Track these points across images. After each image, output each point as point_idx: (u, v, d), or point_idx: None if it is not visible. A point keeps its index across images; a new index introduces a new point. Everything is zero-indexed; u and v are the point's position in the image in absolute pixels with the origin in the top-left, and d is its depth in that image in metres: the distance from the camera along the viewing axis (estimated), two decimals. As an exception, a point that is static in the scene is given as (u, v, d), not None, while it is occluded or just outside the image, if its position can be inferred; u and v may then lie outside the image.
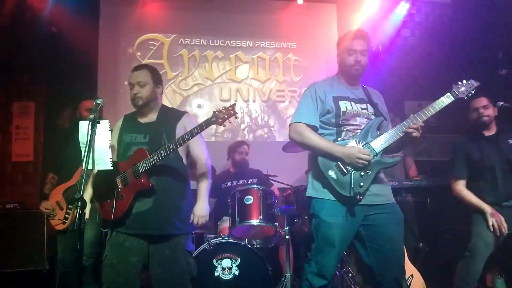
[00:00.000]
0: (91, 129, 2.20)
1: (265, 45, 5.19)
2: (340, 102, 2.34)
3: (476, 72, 4.88)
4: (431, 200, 4.23)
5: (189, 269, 2.44)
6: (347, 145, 2.26)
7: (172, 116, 2.59)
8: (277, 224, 3.34)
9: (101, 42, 4.76)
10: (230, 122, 2.33)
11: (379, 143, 2.26)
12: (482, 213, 2.90)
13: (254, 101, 5.09)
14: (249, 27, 5.16)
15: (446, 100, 2.29)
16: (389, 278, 2.23)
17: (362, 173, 2.22)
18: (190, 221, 2.46)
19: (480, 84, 2.31)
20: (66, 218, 3.06)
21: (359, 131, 2.32)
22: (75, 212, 2.04)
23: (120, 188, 2.40)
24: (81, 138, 2.27)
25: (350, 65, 2.38)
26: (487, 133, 3.04)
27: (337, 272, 3.19)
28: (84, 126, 2.25)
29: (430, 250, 3.68)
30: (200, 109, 4.95)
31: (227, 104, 2.32)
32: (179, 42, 5.02)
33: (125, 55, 4.88)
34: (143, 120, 2.56)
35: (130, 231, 2.38)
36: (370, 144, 2.26)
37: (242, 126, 5.05)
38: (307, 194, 2.38)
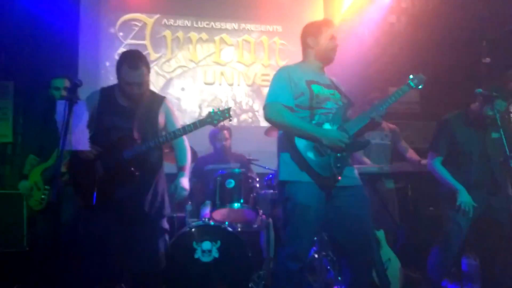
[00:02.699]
0: (69, 109, 2.16)
1: (250, 28, 5.13)
2: (312, 86, 2.36)
3: (460, 59, 4.95)
4: (412, 186, 4.29)
5: (163, 246, 2.56)
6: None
7: (153, 101, 2.58)
8: (258, 208, 3.36)
9: (82, 21, 4.65)
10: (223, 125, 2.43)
11: (351, 126, 2.33)
12: (453, 196, 2.94)
13: (238, 85, 5.05)
14: (235, 9, 5.09)
15: (405, 89, 2.43)
16: (359, 257, 2.29)
17: (339, 155, 2.25)
18: (170, 193, 2.55)
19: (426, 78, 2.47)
20: (43, 199, 3.03)
21: (331, 114, 2.34)
22: (52, 192, 2.03)
23: (102, 174, 2.39)
24: (58, 118, 2.23)
25: (331, 49, 2.45)
26: (475, 121, 3.08)
27: (316, 255, 3.22)
28: (61, 106, 2.21)
29: (409, 235, 3.74)
30: (183, 92, 4.89)
31: (224, 106, 2.52)
32: (163, 23, 4.93)
33: (106, 35, 4.78)
34: (124, 102, 2.51)
35: (110, 216, 2.40)
36: (344, 127, 2.31)
37: (226, 110, 5.00)
38: (280, 179, 2.36)
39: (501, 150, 2.89)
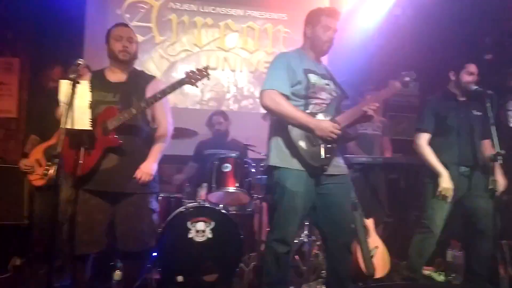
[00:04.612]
0: (72, 89, 2.23)
1: (255, 14, 5.16)
2: (309, 75, 2.40)
3: (463, 54, 4.96)
4: (404, 178, 4.37)
5: (152, 226, 2.56)
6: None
7: (142, 78, 2.64)
8: (253, 192, 3.45)
9: (89, 1, 4.69)
10: (202, 84, 2.43)
11: (343, 118, 2.39)
12: (434, 182, 3.00)
13: (241, 71, 5.10)
14: (240, -5, 5.11)
15: (397, 86, 2.46)
16: (339, 242, 2.40)
17: (329, 145, 2.32)
18: (139, 177, 2.48)
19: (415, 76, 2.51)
20: (45, 174, 3.11)
21: (324, 105, 2.40)
22: (53, 168, 2.10)
23: (87, 145, 2.40)
24: (61, 97, 2.31)
25: (325, 41, 2.47)
26: (460, 98, 3.15)
27: (305, 240, 3.32)
28: (64, 85, 2.28)
29: (397, 225, 3.83)
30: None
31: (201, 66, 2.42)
32: (169, 6, 4.96)
33: (113, 16, 4.80)
34: (112, 79, 2.58)
35: (96, 187, 2.42)
36: (335, 119, 2.38)
37: (228, 95, 5.07)
38: (270, 163, 2.40)
39: (481, 128, 3.03)
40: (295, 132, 2.32)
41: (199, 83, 2.42)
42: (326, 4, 5.19)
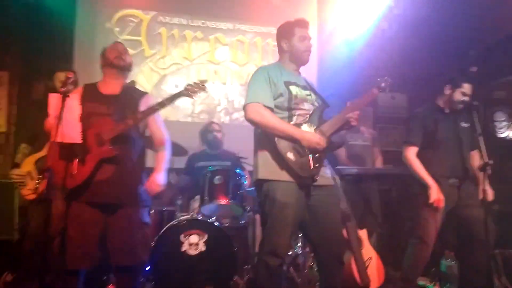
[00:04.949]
0: (61, 102, 2.22)
1: (245, 28, 5.20)
2: (290, 87, 2.43)
3: (449, 67, 5.07)
4: (396, 189, 4.40)
5: (145, 240, 2.54)
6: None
7: (135, 92, 2.67)
8: (245, 204, 3.44)
9: (79, 14, 4.68)
10: (199, 97, 2.52)
11: (327, 127, 2.42)
12: (425, 193, 3.02)
13: (231, 84, 5.12)
14: (230, 9, 5.15)
15: (374, 92, 2.57)
16: (330, 253, 2.40)
17: (316, 155, 2.34)
18: (149, 189, 2.51)
19: (392, 82, 2.61)
20: (36, 188, 3.07)
21: (308, 115, 2.43)
22: (43, 183, 2.07)
23: (80, 156, 2.38)
24: (51, 110, 2.29)
25: (304, 51, 2.52)
26: (446, 110, 3.20)
27: (300, 252, 3.31)
28: (53, 99, 2.27)
29: (391, 235, 3.84)
30: (177, 88, 4.88)
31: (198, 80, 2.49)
32: (159, 20, 4.99)
33: (103, 30, 4.82)
34: (105, 91, 2.57)
35: (90, 199, 2.39)
36: (321, 128, 2.41)
37: (219, 108, 5.08)
38: (259, 177, 2.39)
39: (470, 139, 3.07)
40: (282, 144, 2.32)
41: (196, 96, 2.48)
42: (314, 19, 5.28)
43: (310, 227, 2.41)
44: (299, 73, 2.60)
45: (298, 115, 2.40)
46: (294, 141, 2.31)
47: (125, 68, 2.63)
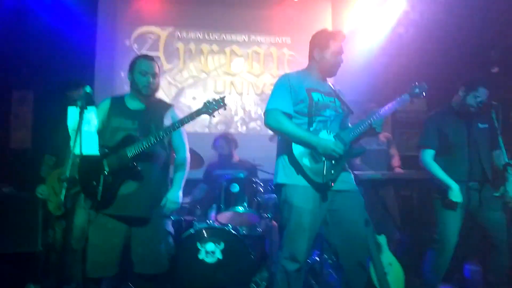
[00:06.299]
0: (80, 115, 2.30)
1: (260, 39, 5.29)
2: (312, 93, 2.44)
3: (468, 70, 4.97)
4: (417, 194, 4.32)
5: (168, 249, 2.60)
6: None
7: (160, 107, 2.70)
8: (262, 211, 3.45)
9: (99, 33, 4.89)
10: (219, 114, 2.47)
11: (348, 134, 2.41)
12: (443, 196, 2.95)
13: (248, 94, 5.19)
14: (245, 21, 5.26)
15: (406, 98, 2.49)
16: (354, 260, 2.36)
17: (333, 162, 2.33)
18: (166, 206, 2.56)
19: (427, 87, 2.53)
20: (61, 204, 3.16)
21: (329, 122, 2.43)
22: (64, 194, 2.14)
23: (107, 171, 2.45)
24: (69, 123, 2.37)
25: (334, 65, 2.50)
26: (460, 112, 3.11)
27: (317, 258, 3.28)
28: (72, 112, 2.35)
29: (412, 241, 3.76)
30: (194, 100, 5.06)
31: (218, 96, 2.47)
32: (176, 35, 5.13)
33: (122, 47, 5.00)
34: (132, 106, 2.64)
35: (114, 212, 2.46)
36: (340, 135, 2.40)
37: (236, 118, 5.15)
38: (277, 181, 2.43)
39: (488, 140, 2.97)
40: (298, 150, 2.34)
41: (216, 113, 2.47)
42: (329, 26, 5.30)
43: (332, 232, 2.40)
44: (325, 80, 2.58)
45: (318, 121, 2.41)
46: (310, 148, 2.33)
47: (152, 94, 2.66)
